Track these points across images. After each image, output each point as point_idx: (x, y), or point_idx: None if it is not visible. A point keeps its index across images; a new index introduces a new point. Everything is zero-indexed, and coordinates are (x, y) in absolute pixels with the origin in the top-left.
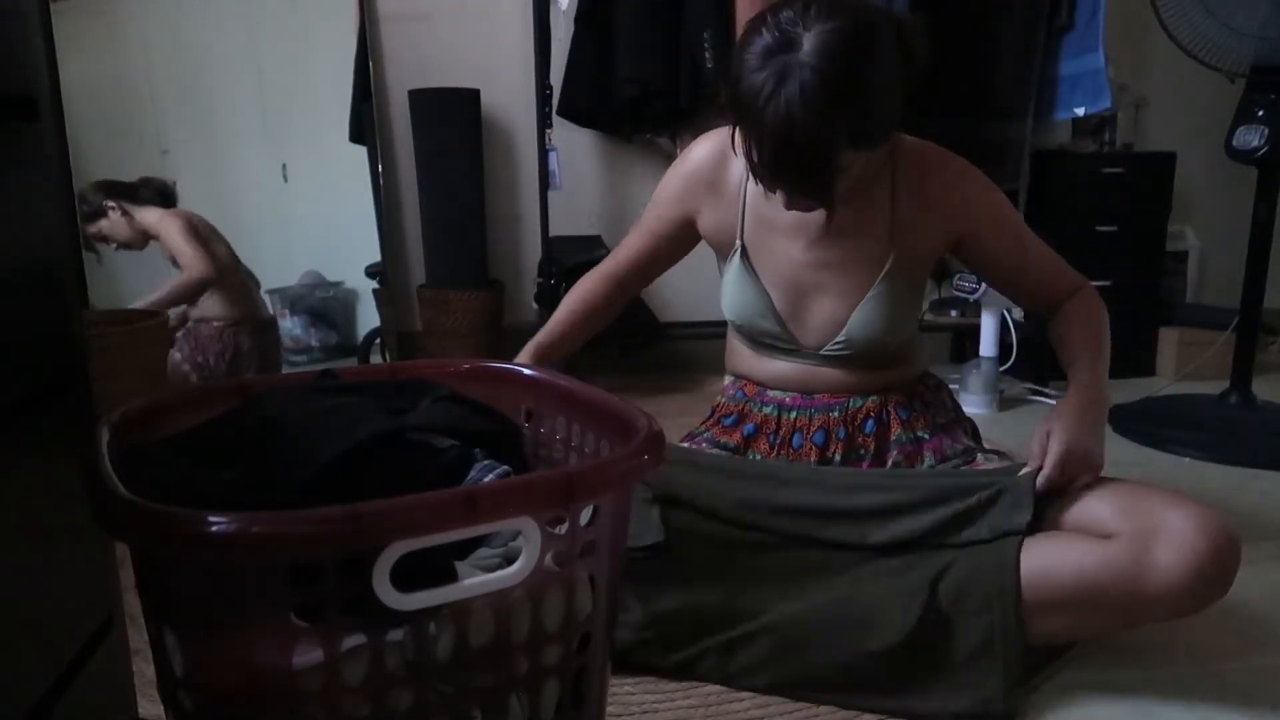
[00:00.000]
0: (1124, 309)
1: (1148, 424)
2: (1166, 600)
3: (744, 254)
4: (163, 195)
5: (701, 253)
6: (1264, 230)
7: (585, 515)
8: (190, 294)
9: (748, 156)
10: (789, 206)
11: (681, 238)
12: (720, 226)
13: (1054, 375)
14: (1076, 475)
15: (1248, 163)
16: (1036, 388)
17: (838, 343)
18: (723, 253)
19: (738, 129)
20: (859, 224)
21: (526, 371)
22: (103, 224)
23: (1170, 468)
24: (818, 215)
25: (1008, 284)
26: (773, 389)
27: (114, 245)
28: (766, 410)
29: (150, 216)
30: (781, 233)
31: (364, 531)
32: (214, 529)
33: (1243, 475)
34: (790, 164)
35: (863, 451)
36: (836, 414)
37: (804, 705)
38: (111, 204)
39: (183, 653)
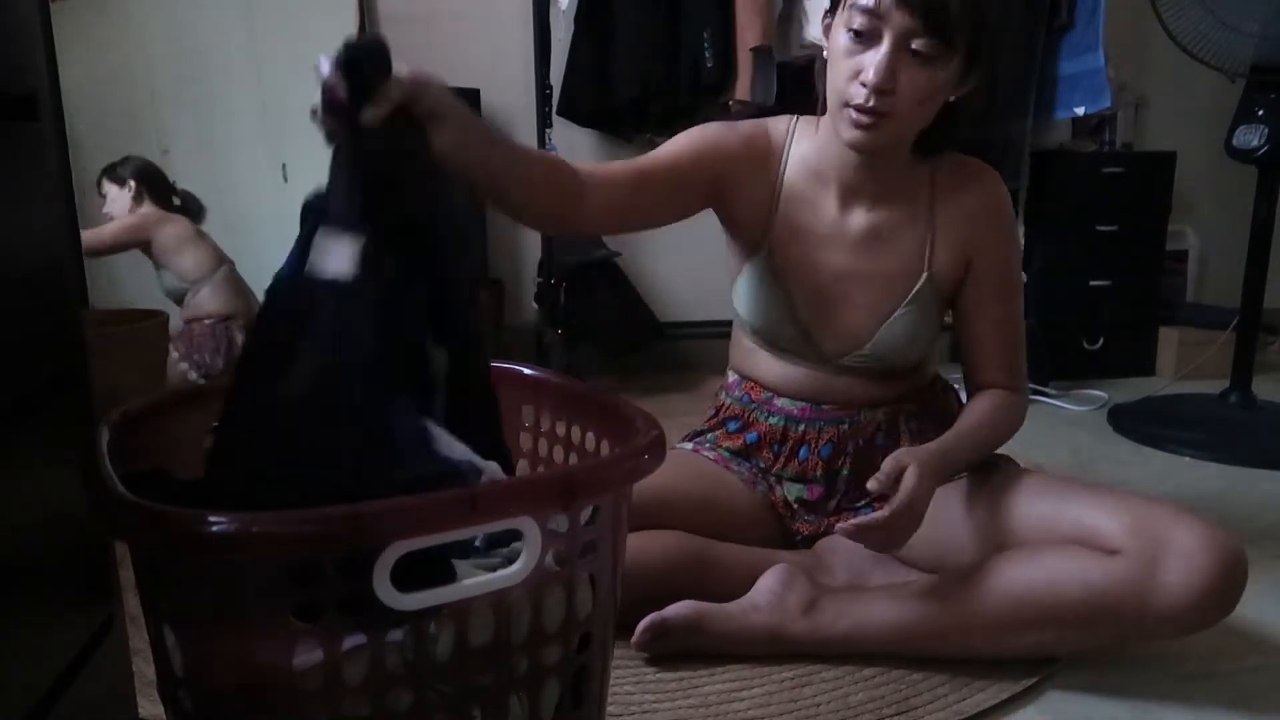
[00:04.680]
0: (1124, 309)
1: (1148, 424)
2: (1171, 620)
3: (770, 256)
4: (191, 209)
5: (701, 253)
6: (1264, 230)
7: (585, 515)
8: (123, 238)
9: None
10: (854, 123)
11: (685, 191)
12: (749, 213)
13: (1055, 375)
14: (900, 532)
15: (1248, 162)
16: (1037, 387)
17: (860, 355)
18: (744, 248)
19: None
20: (897, 236)
21: (526, 371)
22: (112, 190)
23: (1170, 468)
24: (853, 224)
25: (961, 328)
26: (781, 396)
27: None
28: (773, 420)
29: (152, 215)
30: (815, 241)
31: (364, 531)
32: (214, 529)
33: (1242, 475)
34: None
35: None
36: (846, 427)
37: (804, 704)
38: (133, 183)
39: (183, 653)
